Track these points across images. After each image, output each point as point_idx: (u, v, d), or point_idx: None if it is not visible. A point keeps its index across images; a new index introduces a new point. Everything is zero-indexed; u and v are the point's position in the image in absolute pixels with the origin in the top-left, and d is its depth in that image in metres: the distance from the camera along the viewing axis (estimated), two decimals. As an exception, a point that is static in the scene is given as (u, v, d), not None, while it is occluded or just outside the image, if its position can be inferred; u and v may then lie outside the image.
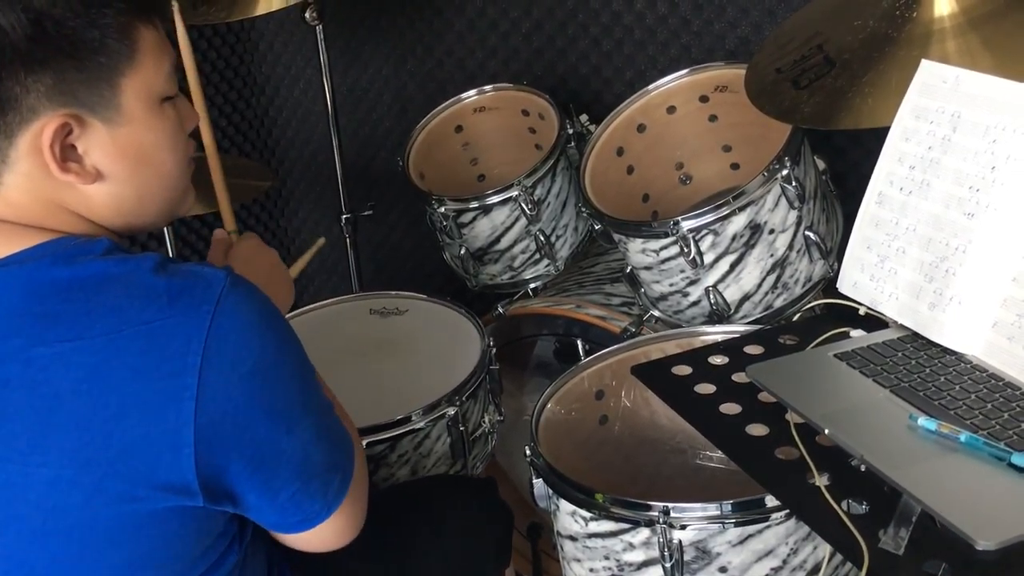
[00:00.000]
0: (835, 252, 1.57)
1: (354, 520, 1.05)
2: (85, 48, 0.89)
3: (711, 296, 1.54)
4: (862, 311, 1.18)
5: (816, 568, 1.17)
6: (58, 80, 0.88)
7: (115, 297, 0.87)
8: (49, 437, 0.86)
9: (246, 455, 0.90)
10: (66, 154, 0.91)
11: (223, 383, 0.87)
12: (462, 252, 1.89)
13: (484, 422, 1.61)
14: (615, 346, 1.50)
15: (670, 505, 1.14)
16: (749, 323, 1.55)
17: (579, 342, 1.78)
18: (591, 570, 1.25)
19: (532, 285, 1.92)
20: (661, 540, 1.15)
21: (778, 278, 1.53)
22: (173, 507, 0.89)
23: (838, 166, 1.74)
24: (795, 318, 1.56)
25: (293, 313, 1.81)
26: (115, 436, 0.85)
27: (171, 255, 2.07)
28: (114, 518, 0.87)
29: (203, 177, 1.99)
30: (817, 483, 0.91)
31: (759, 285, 1.53)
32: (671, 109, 1.77)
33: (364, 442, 1.43)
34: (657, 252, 1.55)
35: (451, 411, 1.49)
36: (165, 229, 2.02)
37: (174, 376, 0.86)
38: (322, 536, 1.02)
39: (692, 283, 1.55)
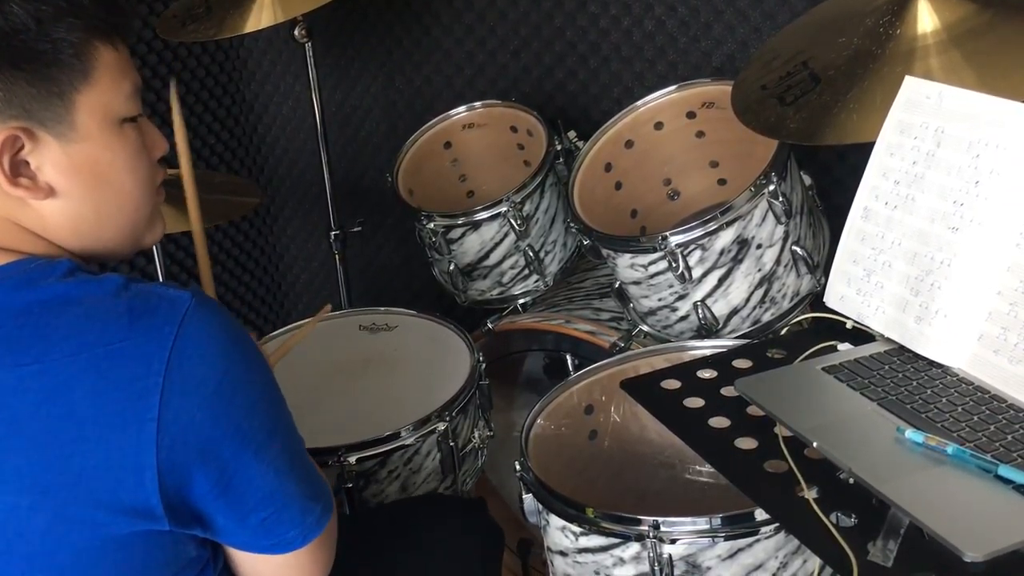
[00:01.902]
0: (822, 266, 1.58)
1: (322, 561, 1.02)
2: (37, 61, 0.87)
3: (699, 311, 1.55)
4: (849, 325, 1.19)
5: (806, 581, 1.17)
6: (8, 93, 0.87)
7: (75, 320, 0.86)
8: (8, 463, 0.84)
9: (212, 478, 0.88)
10: (17, 169, 0.89)
11: (186, 405, 0.85)
12: (451, 268, 1.89)
13: (474, 437, 1.61)
14: (604, 361, 1.50)
15: (660, 519, 1.14)
16: (737, 337, 1.55)
17: (568, 357, 1.78)
18: (581, 585, 1.25)
19: (521, 301, 1.92)
20: (651, 555, 1.15)
21: (766, 292, 1.54)
22: (138, 532, 0.87)
23: (824, 181, 1.76)
24: (783, 332, 1.56)
25: (282, 329, 1.81)
26: (75, 460, 0.84)
27: (160, 273, 2.06)
28: (77, 544, 0.86)
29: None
30: (806, 496, 0.92)
31: (747, 300, 1.54)
32: (659, 125, 1.79)
33: (354, 458, 1.43)
34: (645, 267, 1.55)
35: (441, 427, 1.49)
36: (154, 247, 2.01)
37: (135, 398, 0.84)
38: (288, 572, 0.99)
39: (680, 298, 1.56)
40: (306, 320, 1.63)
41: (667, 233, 1.49)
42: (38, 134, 0.89)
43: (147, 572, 0.90)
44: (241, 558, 0.99)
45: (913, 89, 1.14)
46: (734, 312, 1.55)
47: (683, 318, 1.59)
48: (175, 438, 0.85)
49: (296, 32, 2.05)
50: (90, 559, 0.86)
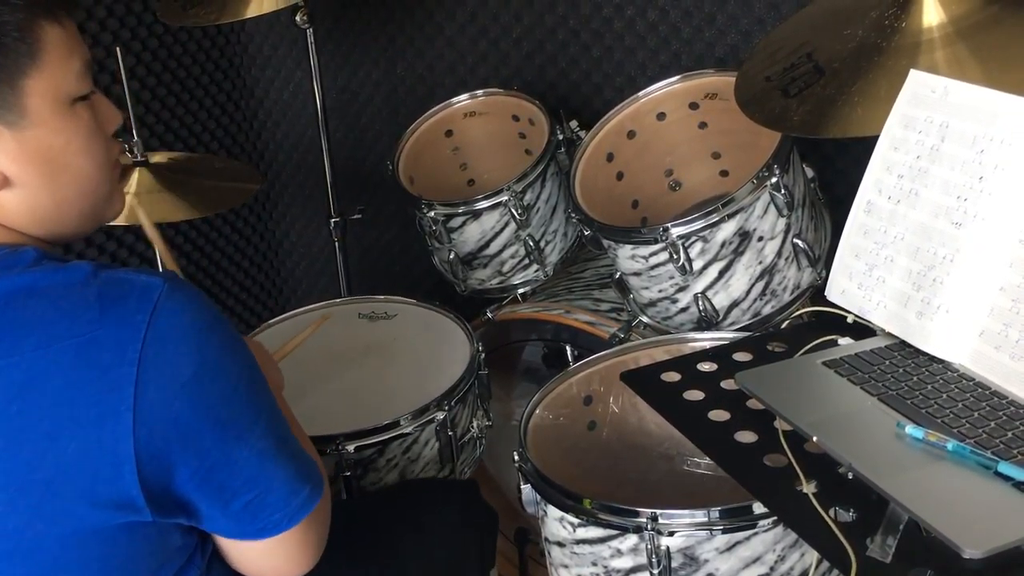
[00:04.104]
0: (823, 260, 1.57)
1: (312, 545, 1.00)
2: None
3: (700, 302, 1.54)
4: (850, 319, 1.18)
5: (803, 575, 1.17)
6: None
7: (44, 311, 0.84)
8: None
9: (192, 465, 0.87)
10: None
11: (162, 394, 0.84)
12: (451, 257, 1.89)
13: (473, 427, 1.61)
14: (604, 352, 1.50)
15: (658, 511, 1.14)
16: (737, 330, 1.55)
17: (568, 347, 1.78)
18: (579, 576, 1.25)
19: (521, 290, 1.92)
20: (649, 546, 1.15)
21: (766, 285, 1.54)
22: (120, 524, 0.86)
23: (827, 174, 1.75)
24: (783, 325, 1.56)
25: (281, 317, 1.81)
26: (50, 455, 0.82)
27: (160, 262, 2.05)
28: (57, 540, 0.84)
29: (189, 181, 1.99)
30: (805, 490, 0.92)
31: (747, 292, 1.54)
32: (661, 116, 1.78)
33: (352, 447, 1.43)
34: (646, 258, 1.55)
35: (440, 416, 1.49)
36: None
37: (109, 390, 0.82)
38: (275, 558, 0.98)
39: (681, 289, 1.56)
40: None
41: (668, 224, 1.49)
42: None
43: (131, 564, 0.89)
44: (228, 544, 0.98)
45: (918, 83, 1.13)
46: (734, 304, 1.55)
47: (683, 310, 1.58)
48: (152, 428, 0.83)
49: (298, 17, 2.04)
50: (72, 554, 0.85)
